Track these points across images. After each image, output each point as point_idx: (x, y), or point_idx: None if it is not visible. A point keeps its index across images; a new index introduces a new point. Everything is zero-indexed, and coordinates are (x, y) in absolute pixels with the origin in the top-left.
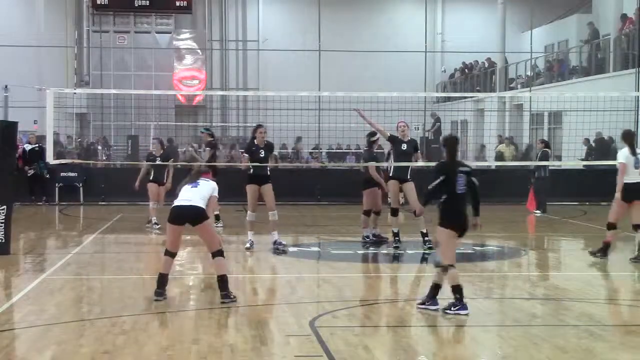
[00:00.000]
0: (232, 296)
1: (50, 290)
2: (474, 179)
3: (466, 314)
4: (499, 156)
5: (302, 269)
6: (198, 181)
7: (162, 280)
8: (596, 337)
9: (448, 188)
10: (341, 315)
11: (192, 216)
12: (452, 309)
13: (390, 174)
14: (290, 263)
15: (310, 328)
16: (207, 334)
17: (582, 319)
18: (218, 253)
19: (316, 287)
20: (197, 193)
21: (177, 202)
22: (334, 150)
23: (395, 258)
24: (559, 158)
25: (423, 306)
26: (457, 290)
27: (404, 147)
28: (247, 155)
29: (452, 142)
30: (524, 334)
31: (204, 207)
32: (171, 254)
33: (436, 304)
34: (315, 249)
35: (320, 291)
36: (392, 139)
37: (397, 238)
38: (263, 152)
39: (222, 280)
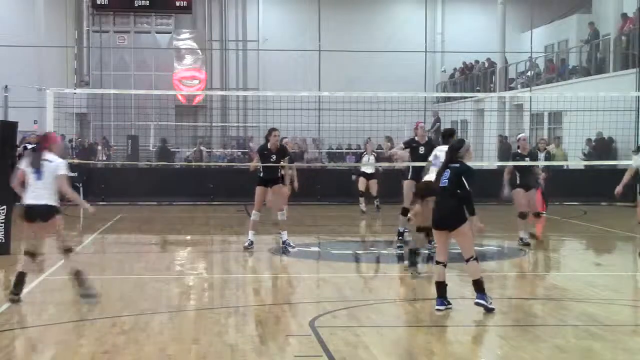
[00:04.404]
0: (90, 293)
1: (50, 290)
2: (464, 177)
3: (437, 309)
4: (548, 158)
5: (302, 269)
6: (42, 164)
7: (21, 279)
8: (596, 337)
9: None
10: (341, 315)
11: (42, 215)
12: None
13: (409, 176)
14: (290, 263)
15: (310, 328)
16: (207, 334)
17: (582, 319)
18: (68, 250)
19: (316, 287)
20: (43, 185)
21: (26, 201)
22: (334, 150)
23: (399, 258)
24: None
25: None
26: (436, 285)
27: (422, 150)
28: (255, 157)
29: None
30: (524, 334)
31: (53, 203)
32: (31, 255)
33: (442, 303)
34: (315, 249)
35: (320, 291)
36: (409, 144)
37: (400, 238)
38: (275, 157)
39: (78, 277)
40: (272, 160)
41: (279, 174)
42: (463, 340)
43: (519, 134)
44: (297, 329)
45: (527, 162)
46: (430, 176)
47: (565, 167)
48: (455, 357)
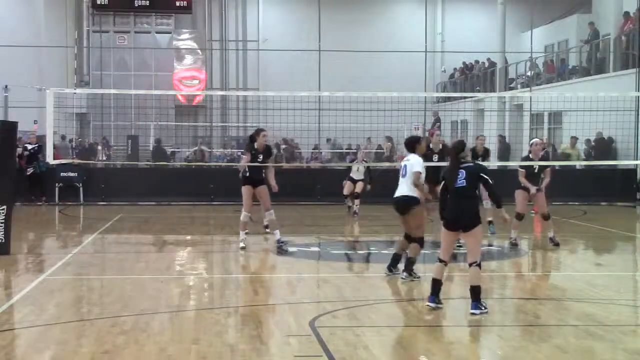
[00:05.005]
0: None
1: (50, 290)
2: (483, 174)
3: (427, 305)
4: (566, 157)
5: (302, 269)
6: None
7: None
8: (596, 337)
9: (449, 186)
10: (341, 315)
11: None
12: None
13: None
14: (290, 263)
15: (310, 328)
16: (207, 334)
17: (582, 319)
18: None
19: (316, 287)
20: None
21: None
22: (334, 150)
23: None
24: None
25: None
26: (432, 282)
27: (435, 158)
28: (245, 157)
29: (452, 146)
30: (524, 334)
31: None
32: None
33: (434, 301)
34: (315, 249)
35: (320, 291)
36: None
37: None
38: (261, 157)
39: None
40: (259, 160)
41: (263, 174)
42: (463, 340)
43: (533, 138)
44: (297, 329)
45: (531, 162)
46: (401, 189)
47: (577, 167)
48: (455, 357)
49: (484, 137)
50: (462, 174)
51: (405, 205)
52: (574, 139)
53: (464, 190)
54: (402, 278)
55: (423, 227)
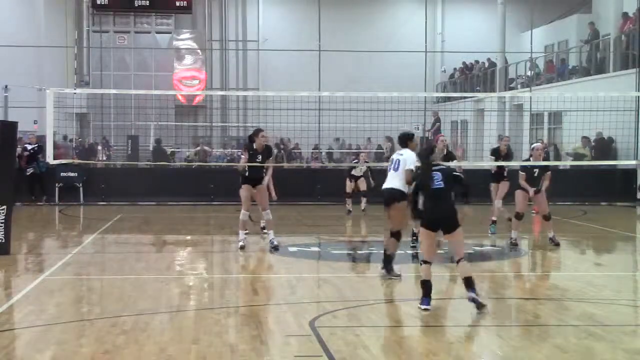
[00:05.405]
0: None
1: (50, 290)
2: (457, 174)
3: (424, 309)
4: (580, 157)
5: (302, 269)
6: None
7: None
8: (596, 337)
9: (424, 189)
10: (341, 315)
11: None
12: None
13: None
14: (290, 263)
15: (310, 328)
16: (207, 334)
17: (582, 319)
18: None
19: (316, 287)
20: None
21: None
22: (334, 150)
23: (414, 257)
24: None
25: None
26: (422, 284)
27: None
28: (244, 156)
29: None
30: (524, 334)
31: None
32: None
33: (428, 302)
34: (315, 249)
35: (320, 291)
36: None
37: (414, 237)
38: (260, 157)
39: None
40: (258, 160)
41: (262, 174)
42: (463, 340)
43: (534, 143)
44: (297, 329)
45: (531, 163)
46: (391, 182)
47: (582, 167)
48: (455, 357)
49: (508, 138)
50: (438, 176)
51: (390, 197)
52: (586, 139)
53: (441, 192)
54: (380, 271)
55: (403, 224)
